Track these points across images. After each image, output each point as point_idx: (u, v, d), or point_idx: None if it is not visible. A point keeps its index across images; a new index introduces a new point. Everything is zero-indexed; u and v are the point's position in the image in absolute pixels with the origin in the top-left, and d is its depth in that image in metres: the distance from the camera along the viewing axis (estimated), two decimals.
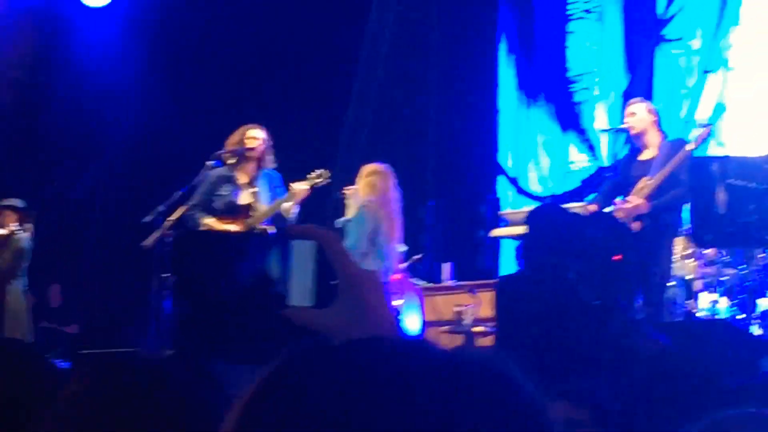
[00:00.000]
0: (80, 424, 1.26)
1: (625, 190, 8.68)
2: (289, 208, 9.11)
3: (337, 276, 1.35)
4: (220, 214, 9.18)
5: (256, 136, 9.25)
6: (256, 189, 9.25)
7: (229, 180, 9.23)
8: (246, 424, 0.93)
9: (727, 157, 8.43)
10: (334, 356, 0.96)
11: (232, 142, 9.26)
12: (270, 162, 9.33)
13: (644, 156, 8.54)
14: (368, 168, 9.60)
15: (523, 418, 0.94)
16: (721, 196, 6.80)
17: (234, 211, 9.18)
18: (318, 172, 9.33)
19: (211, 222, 9.11)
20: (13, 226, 10.93)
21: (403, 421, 0.89)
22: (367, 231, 9.26)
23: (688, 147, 8.39)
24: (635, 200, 8.46)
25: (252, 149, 9.18)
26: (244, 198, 9.24)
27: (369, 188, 9.41)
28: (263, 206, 9.15)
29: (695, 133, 8.86)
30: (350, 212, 9.41)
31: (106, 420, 1.25)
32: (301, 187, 9.15)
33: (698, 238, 7.82)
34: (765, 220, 6.76)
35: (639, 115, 8.50)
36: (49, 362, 1.42)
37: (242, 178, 9.26)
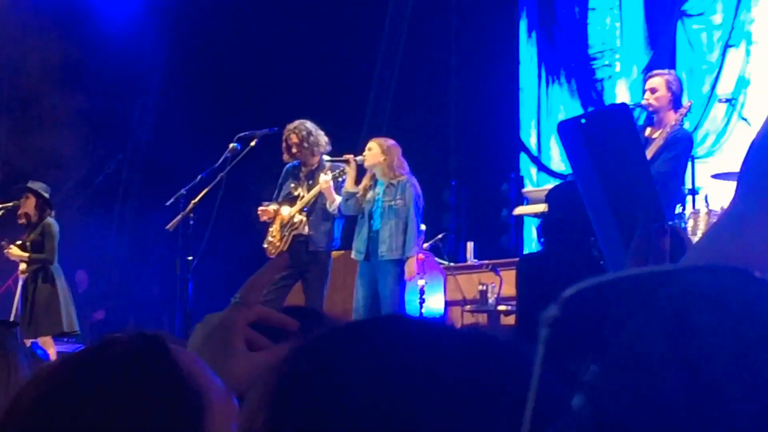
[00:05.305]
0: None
1: None
2: (331, 197, 9.29)
3: None
4: (282, 202, 9.58)
5: (291, 140, 9.50)
6: (309, 182, 9.55)
7: (294, 174, 9.64)
8: (278, 410, 0.94)
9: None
10: (356, 336, 0.98)
11: (284, 148, 9.61)
12: (319, 151, 9.52)
13: (652, 133, 8.42)
14: (388, 141, 9.55)
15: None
16: None
17: (290, 201, 9.56)
18: (341, 167, 9.45)
19: (271, 207, 9.57)
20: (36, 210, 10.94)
21: (422, 403, 0.91)
22: (420, 206, 9.35)
23: (663, 129, 8.20)
24: None
25: (293, 154, 9.56)
26: (299, 190, 9.55)
27: (399, 161, 9.40)
28: (308, 195, 9.47)
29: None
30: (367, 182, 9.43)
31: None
32: (325, 178, 9.30)
33: None
34: None
35: (659, 92, 8.41)
36: None
37: (303, 172, 9.61)
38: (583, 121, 1.52)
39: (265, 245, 9.48)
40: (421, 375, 0.93)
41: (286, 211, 9.46)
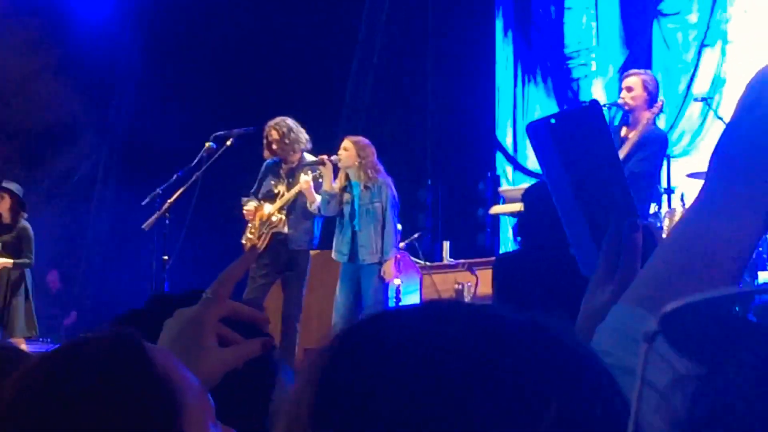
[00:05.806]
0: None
1: None
2: (311, 197, 9.29)
3: None
4: (262, 199, 9.57)
5: (272, 136, 9.50)
6: (289, 180, 9.53)
7: (274, 171, 9.62)
8: (325, 390, 0.93)
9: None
10: (407, 320, 0.97)
11: (265, 144, 9.61)
12: (300, 148, 9.52)
13: (628, 133, 8.40)
14: (363, 141, 9.54)
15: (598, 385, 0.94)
16: None
17: (270, 198, 9.55)
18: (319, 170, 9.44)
19: (251, 204, 9.56)
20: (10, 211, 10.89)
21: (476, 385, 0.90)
22: (396, 207, 9.34)
23: (637, 129, 8.19)
24: None
25: (274, 150, 9.55)
26: (279, 187, 9.54)
27: (373, 162, 9.37)
28: (288, 194, 9.44)
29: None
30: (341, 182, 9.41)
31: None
32: (305, 179, 9.29)
33: None
34: None
35: (635, 91, 8.40)
36: None
37: (283, 169, 9.60)
38: (552, 121, 1.50)
39: (244, 241, 9.49)
40: (472, 358, 0.91)
41: (268, 208, 9.46)
